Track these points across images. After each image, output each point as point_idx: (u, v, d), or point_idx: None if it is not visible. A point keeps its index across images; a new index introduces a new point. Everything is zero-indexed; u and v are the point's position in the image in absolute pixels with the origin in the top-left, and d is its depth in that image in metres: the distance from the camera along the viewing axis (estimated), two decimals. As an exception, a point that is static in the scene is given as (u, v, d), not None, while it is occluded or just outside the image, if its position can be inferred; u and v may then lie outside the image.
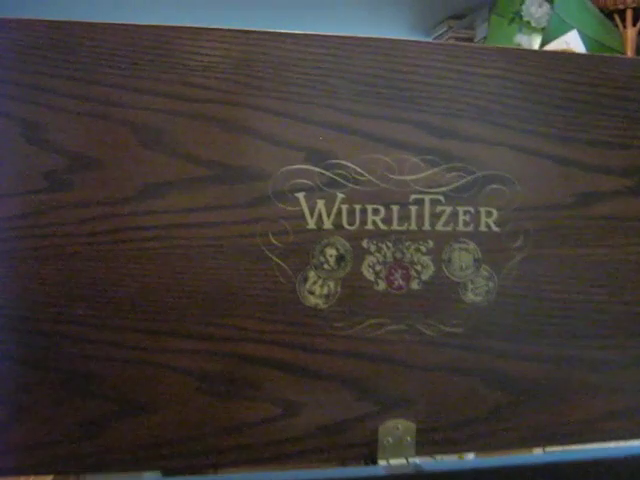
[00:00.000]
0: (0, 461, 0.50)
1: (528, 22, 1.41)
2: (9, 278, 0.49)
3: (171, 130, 0.50)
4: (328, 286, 0.53)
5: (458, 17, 1.80)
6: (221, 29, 0.51)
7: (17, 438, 0.50)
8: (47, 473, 0.54)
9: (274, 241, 0.51)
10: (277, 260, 0.51)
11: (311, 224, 0.52)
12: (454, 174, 0.54)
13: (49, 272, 0.49)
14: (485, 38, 1.59)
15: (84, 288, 0.50)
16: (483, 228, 0.55)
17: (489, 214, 0.55)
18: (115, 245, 0.50)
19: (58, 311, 0.49)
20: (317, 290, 0.52)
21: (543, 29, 1.36)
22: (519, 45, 1.40)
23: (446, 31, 1.84)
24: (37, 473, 0.51)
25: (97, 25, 0.50)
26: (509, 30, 1.44)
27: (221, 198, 0.51)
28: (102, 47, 0.50)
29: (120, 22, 0.50)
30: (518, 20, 1.44)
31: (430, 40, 1.85)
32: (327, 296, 0.53)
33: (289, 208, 0.52)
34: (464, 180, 0.54)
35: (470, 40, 1.79)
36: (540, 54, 0.56)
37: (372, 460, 0.55)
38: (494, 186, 0.55)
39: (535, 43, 1.39)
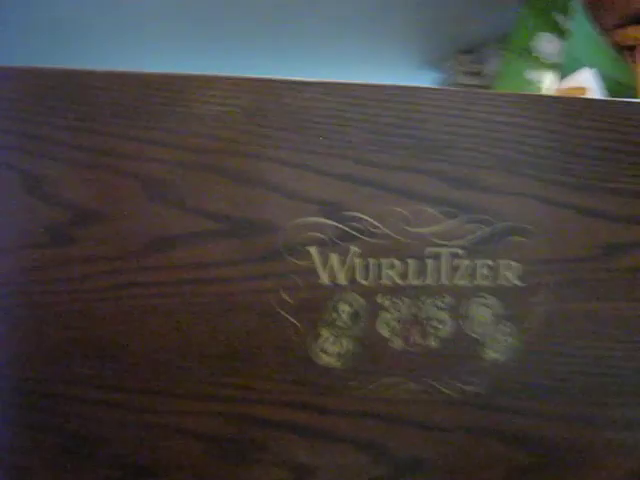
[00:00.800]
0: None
1: (537, 58, 1.40)
2: (8, 336, 0.47)
3: (179, 182, 0.48)
4: (341, 344, 0.50)
5: (467, 52, 1.80)
6: (231, 77, 0.49)
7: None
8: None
9: (285, 297, 0.49)
10: (288, 317, 0.49)
11: (324, 279, 0.50)
12: (472, 225, 0.52)
13: (50, 330, 0.47)
14: (494, 72, 1.58)
15: (87, 347, 0.47)
16: (503, 282, 0.53)
17: (509, 267, 0.53)
18: (120, 302, 0.48)
19: (59, 371, 0.47)
20: (330, 348, 0.50)
21: (553, 65, 1.35)
22: (529, 81, 1.39)
23: (454, 65, 1.83)
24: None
25: (100, 73, 0.48)
26: (519, 65, 1.42)
27: (231, 253, 0.49)
28: (106, 96, 0.48)
29: (126, 70, 0.49)
30: (527, 55, 1.43)
31: (439, 74, 1.85)
32: (340, 354, 0.50)
33: (301, 262, 0.49)
34: (483, 232, 0.52)
35: (478, 74, 1.78)
36: (560, 100, 0.54)
37: (388, 527, 0.52)
38: (514, 238, 0.53)
39: (545, 79, 1.38)
